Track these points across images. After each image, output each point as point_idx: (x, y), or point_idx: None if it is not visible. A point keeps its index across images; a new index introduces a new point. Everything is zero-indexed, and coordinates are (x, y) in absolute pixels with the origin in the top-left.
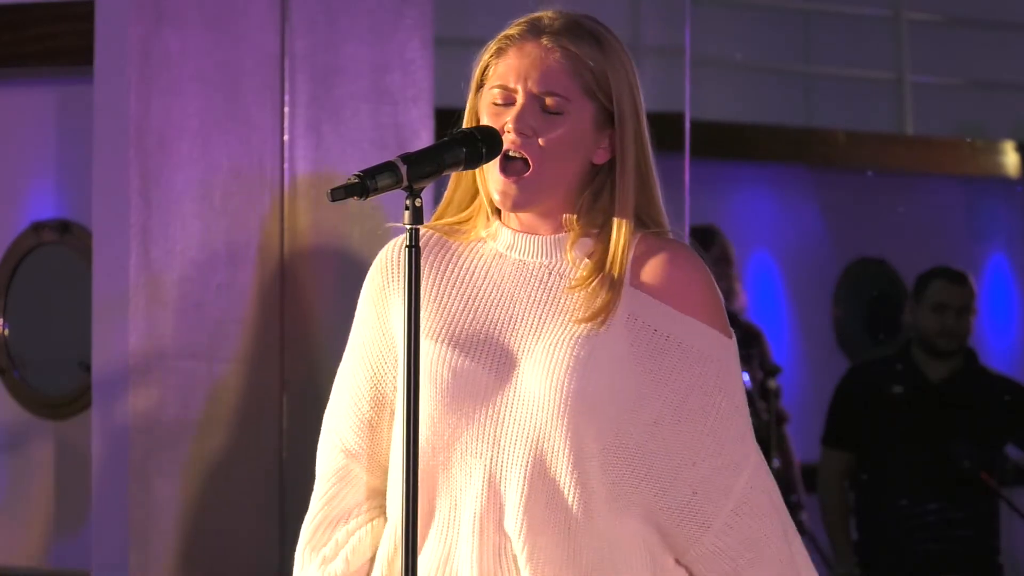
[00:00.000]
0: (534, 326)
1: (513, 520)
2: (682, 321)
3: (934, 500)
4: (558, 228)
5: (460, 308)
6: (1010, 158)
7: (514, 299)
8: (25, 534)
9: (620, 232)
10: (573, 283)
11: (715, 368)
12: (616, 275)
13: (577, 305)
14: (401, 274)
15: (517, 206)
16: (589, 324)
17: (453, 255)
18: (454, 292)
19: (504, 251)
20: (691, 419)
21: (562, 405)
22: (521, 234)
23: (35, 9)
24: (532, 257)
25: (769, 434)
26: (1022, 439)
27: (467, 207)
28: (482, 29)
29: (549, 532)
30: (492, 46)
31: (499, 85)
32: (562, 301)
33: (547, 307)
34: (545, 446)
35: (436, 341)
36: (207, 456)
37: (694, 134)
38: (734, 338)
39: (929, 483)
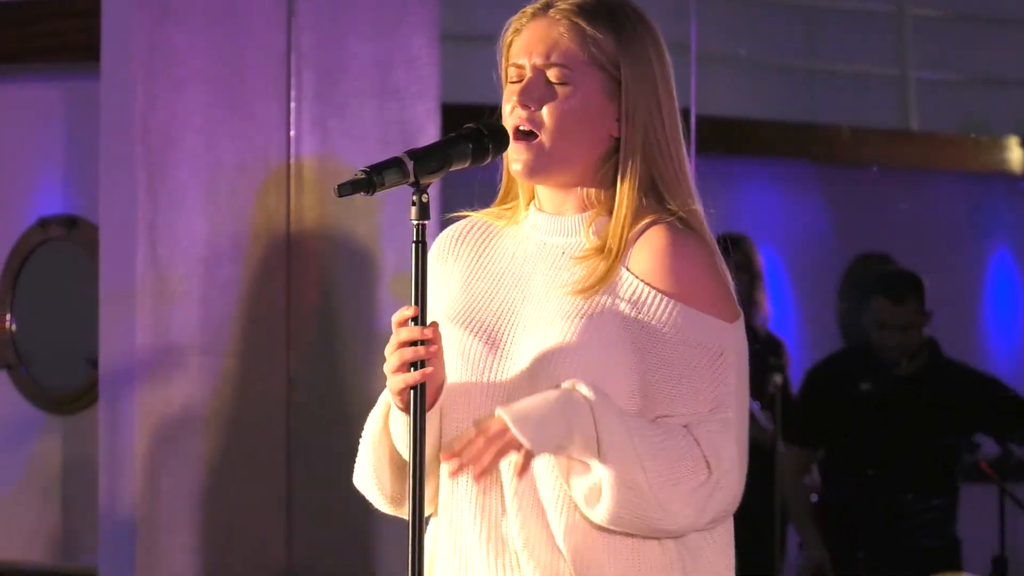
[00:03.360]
0: (538, 304)
1: (510, 499)
2: (672, 309)
3: (939, 495)
4: (582, 207)
5: (483, 290)
6: (1014, 154)
7: (530, 279)
8: (33, 529)
9: (621, 209)
10: (575, 258)
11: (701, 351)
12: (613, 253)
13: (575, 280)
14: (442, 258)
15: (531, 172)
16: (578, 299)
17: (492, 239)
18: (483, 274)
19: (531, 232)
20: (669, 379)
21: (546, 378)
22: (547, 215)
23: (41, 5)
24: (553, 237)
25: (775, 443)
26: (993, 428)
27: (516, 194)
28: (488, 25)
29: (538, 510)
30: (510, 27)
31: (512, 64)
32: (565, 278)
33: (554, 285)
34: None
35: (454, 324)
36: (213, 451)
37: (700, 129)
38: (738, 320)
39: (933, 479)
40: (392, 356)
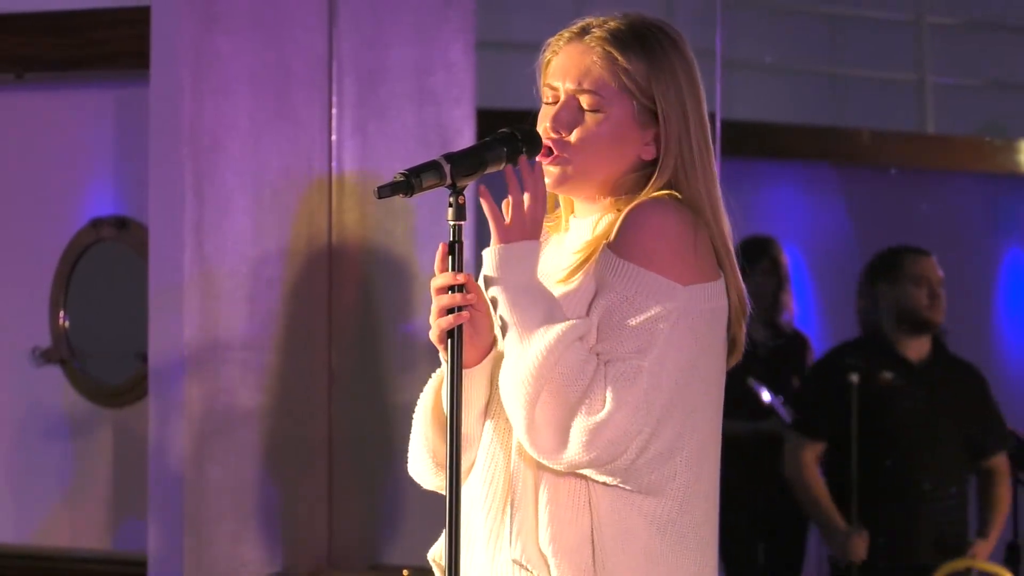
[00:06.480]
0: None
1: (513, 477)
2: (627, 274)
3: (955, 484)
4: (601, 212)
5: None
6: None
7: (547, 275)
8: (86, 518)
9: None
10: (576, 249)
11: (642, 306)
12: (601, 238)
13: (564, 268)
14: None
15: (557, 184)
16: (561, 285)
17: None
18: None
19: (566, 237)
20: (608, 326)
21: None
22: (577, 220)
23: (94, 15)
24: (573, 236)
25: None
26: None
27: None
28: (523, 33)
29: (531, 489)
30: (548, 48)
31: (547, 84)
32: (561, 267)
33: (553, 276)
34: None
35: None
36: (258, 442)
37: (725, 133)
38: (692, 284)
39: (950, 467)
40: (433, 304)
